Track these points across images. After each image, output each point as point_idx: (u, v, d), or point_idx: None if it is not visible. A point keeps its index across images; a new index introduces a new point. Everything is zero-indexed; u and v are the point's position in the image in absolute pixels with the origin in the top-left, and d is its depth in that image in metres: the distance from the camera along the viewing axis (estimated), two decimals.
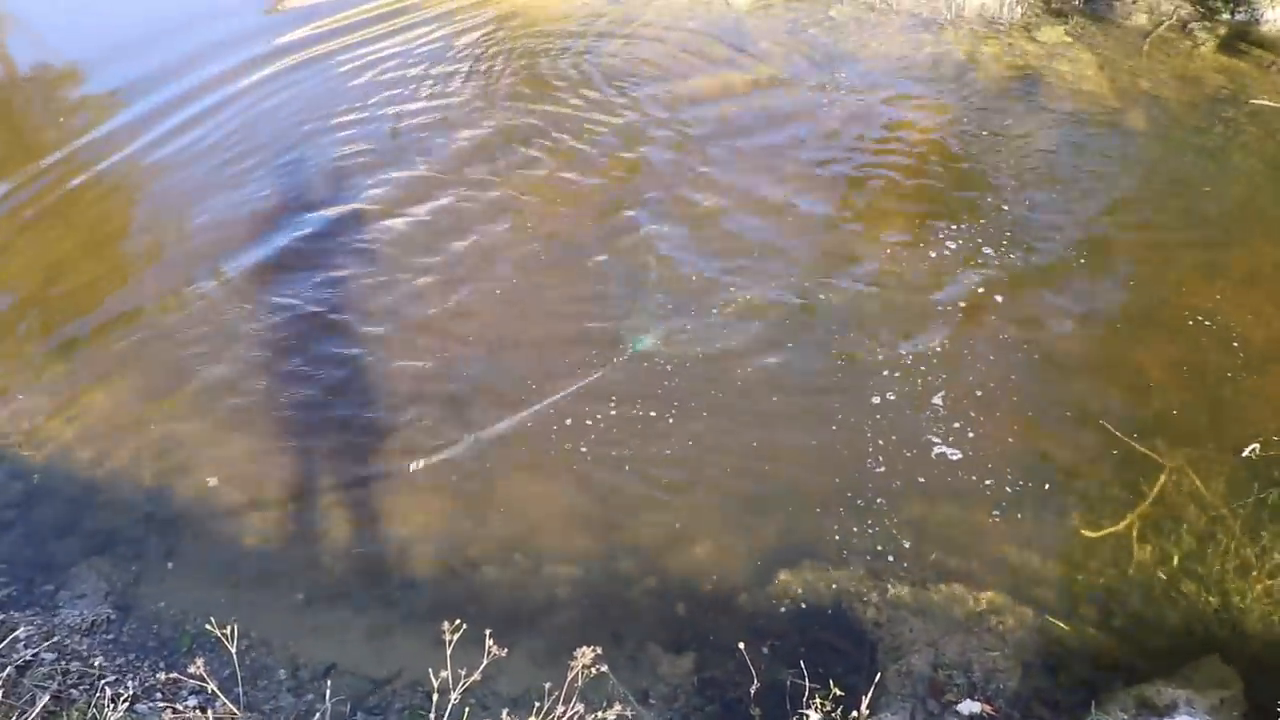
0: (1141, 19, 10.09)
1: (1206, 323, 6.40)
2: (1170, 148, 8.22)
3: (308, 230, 7.46)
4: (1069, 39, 9.84)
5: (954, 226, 7.27)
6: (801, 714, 3.70)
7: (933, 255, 7.03)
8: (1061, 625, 4.82)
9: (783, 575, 5.03)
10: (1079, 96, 8.89)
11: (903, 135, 8.44)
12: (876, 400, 5.93)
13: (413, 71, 9.53)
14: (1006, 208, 7.46)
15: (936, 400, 5.91)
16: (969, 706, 4.30)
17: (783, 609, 4.90)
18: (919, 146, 8.27)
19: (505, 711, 3.29)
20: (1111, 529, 5.25)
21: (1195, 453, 5.59)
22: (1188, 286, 6.71)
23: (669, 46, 9.84)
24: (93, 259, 7.37)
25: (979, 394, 5.94)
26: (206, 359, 6.40)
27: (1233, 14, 9.94)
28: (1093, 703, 4.34)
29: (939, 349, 6.24)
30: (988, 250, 7.04)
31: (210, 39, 10.08)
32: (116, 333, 6.64)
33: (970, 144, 8.29)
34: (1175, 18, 10.00)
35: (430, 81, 9.33)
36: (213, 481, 5.60)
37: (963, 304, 6.60)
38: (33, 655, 4.44)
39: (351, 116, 8.90)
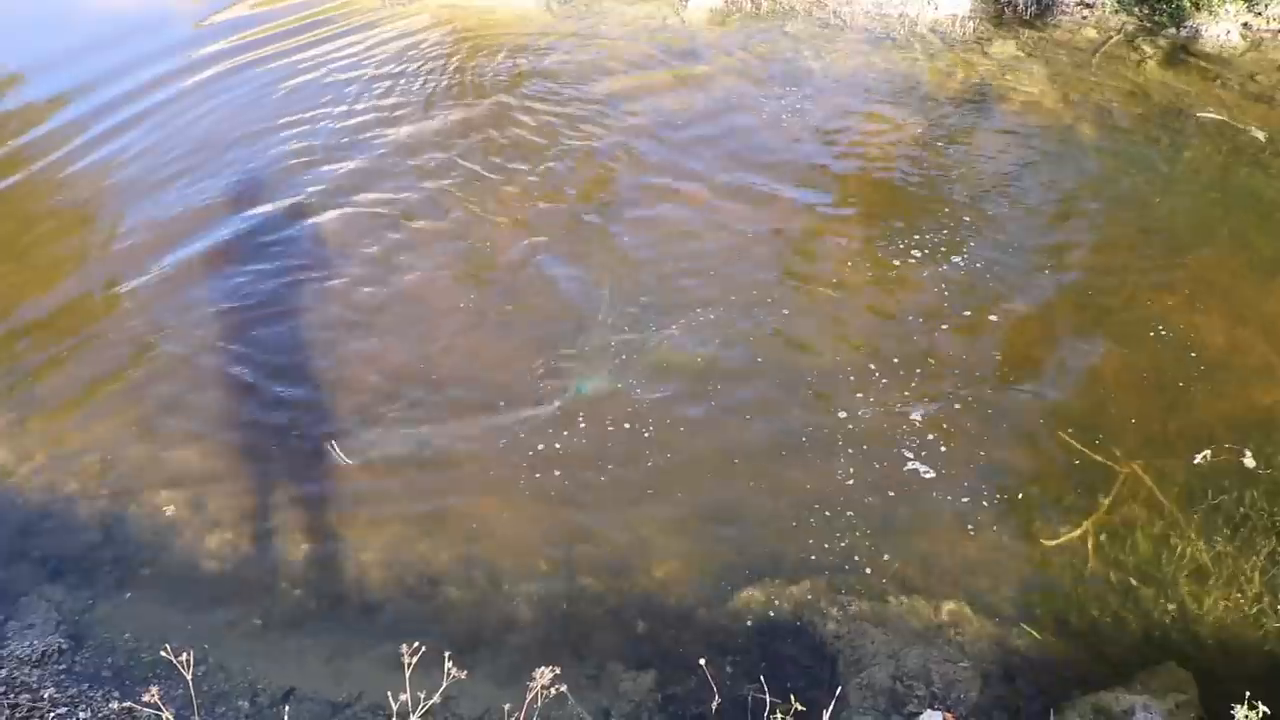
0: (1091, 33, 10.30)
1: (1160, 331, 6.51)
2: (1121, 160, 8.38)
3: (243, 231, 7.57)
4: (1020, 53, 10.02)
5: (909, 240, 7.35)
6: None
7: (889, 270, 7.10)
8: (1029, 632, 4.86)
9: (744, 591, 5.03)
10: (1031, 110, 9.05)
11: (858, 150, 8.54)
12: (842, 414, 5.98)
13: (349, 76, 9.61)
14: (962, 221, 7.56)
15: (902, 411, 5.96)
16: (930, 717, 4.32)
17: (743, 624, 4.90)
18: (875, 161, 8.37)
19: None
20: (1068, 537, 5.31)
21: (1150, 460, 5.68)
22: (1141, 296, 6.83)
23: (620, 61, 9.89)
24: (13, 264, 7.36)
25: (936, 404, 6.00)
26: (151, 377, 6.36)
27: (1177, 29, 10.17)
28: (1050, 711, 4.37)
29: (896, 363, 6.29)
30: (942, 264, 7.13)
31: (142, 50, 10.26)
32: (53, 346, 6.59)
33: (925, 158, 8.40)
34: (1123, 32, 10.22)
35: (370, 88, 9.38)
36: (169, 510, 5.52)
37: (920, 317, 6.67)
38: None
39: (284, 121, 8.99)
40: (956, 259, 7.16)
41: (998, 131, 8.74)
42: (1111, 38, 10.14)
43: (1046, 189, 7.98)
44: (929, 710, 4.36)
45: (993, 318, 6.67)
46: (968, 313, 6.69)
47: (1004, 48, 10.11)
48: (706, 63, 9.91)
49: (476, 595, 5.07)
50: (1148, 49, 9.93)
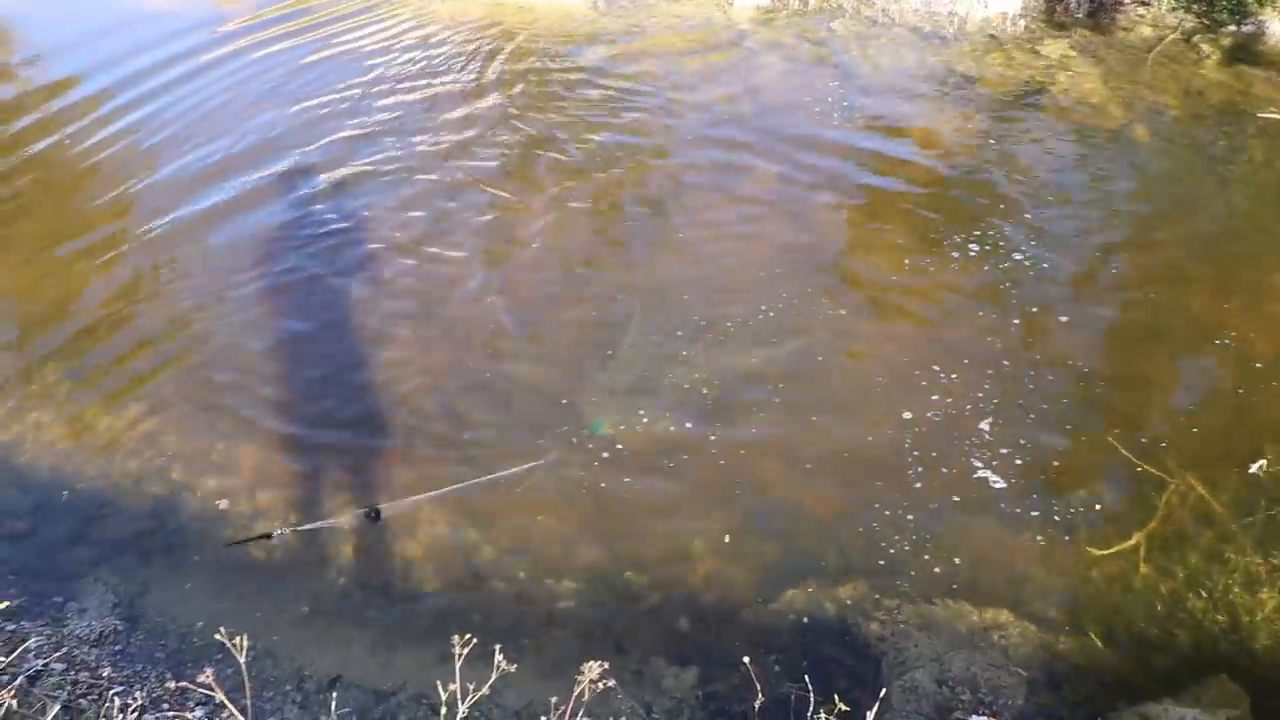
0: (1146, 31, 10.13)
1: (1214, 338, 6.40)
2: (1176, 162, 8.24)
3: (295, 208, 7.76)
4: (1073, 52, 9.88)
5: (960, 239, 7.28)
6: None
7: (942, 270, 7.04)
8: (1076, 640, 4.81)
9: (787, 590, 5.03)
10: (1083, 110, 8.92)
11: (906, 148, 8.47)
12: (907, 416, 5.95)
13: (395, 70, 9.87)
14: (1012, 220, 7.48)
15: (961, 414, 5.92)
16: None
17: (787, 623, 4.90)
18: (923, 159, 8.30)
19: None
20: (1119, 546, 5.24)
21: (1203, 469, 5.58)
22: (1195, 302, 6.72)
23: (665, 57, 9.89)
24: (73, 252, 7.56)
25: (987, 409, 5.94)
26: (209, 367, 6.46)
27: (1238, 26, 9.97)
28: (1099, 719, 4.33)
29: (947, 368, 6.24)
30: (994, 264, 7.06)
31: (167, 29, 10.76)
32: (113, 341, 6.72)
33: (973, 156, 8.32)
34: (1179, 30, 10.04)
35: (413, 79, 9.58)
36: (220, 498, 5.61)
37: (974, 318, 6.63)
38: (43, 665, 4.46)
39: (328, 100, 9.37)
40: (1008, 259, 7.08)
41: (1048, 131, 8.63)
42: (1168, 36, 9.96)
43: (1098, 189, 7.87)
44: (974, 715, 4.34)
45: (1044, 320, 6.58)
46: (1020, 315, 6.62)
47: (1056, 46, 9.97)
48: (753, 59, 9.88)
49: (520, 589, 5.11)
50: (1206, 47, 9.74)
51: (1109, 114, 8.84)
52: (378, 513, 5.44)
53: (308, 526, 5.41)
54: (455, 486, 5.57)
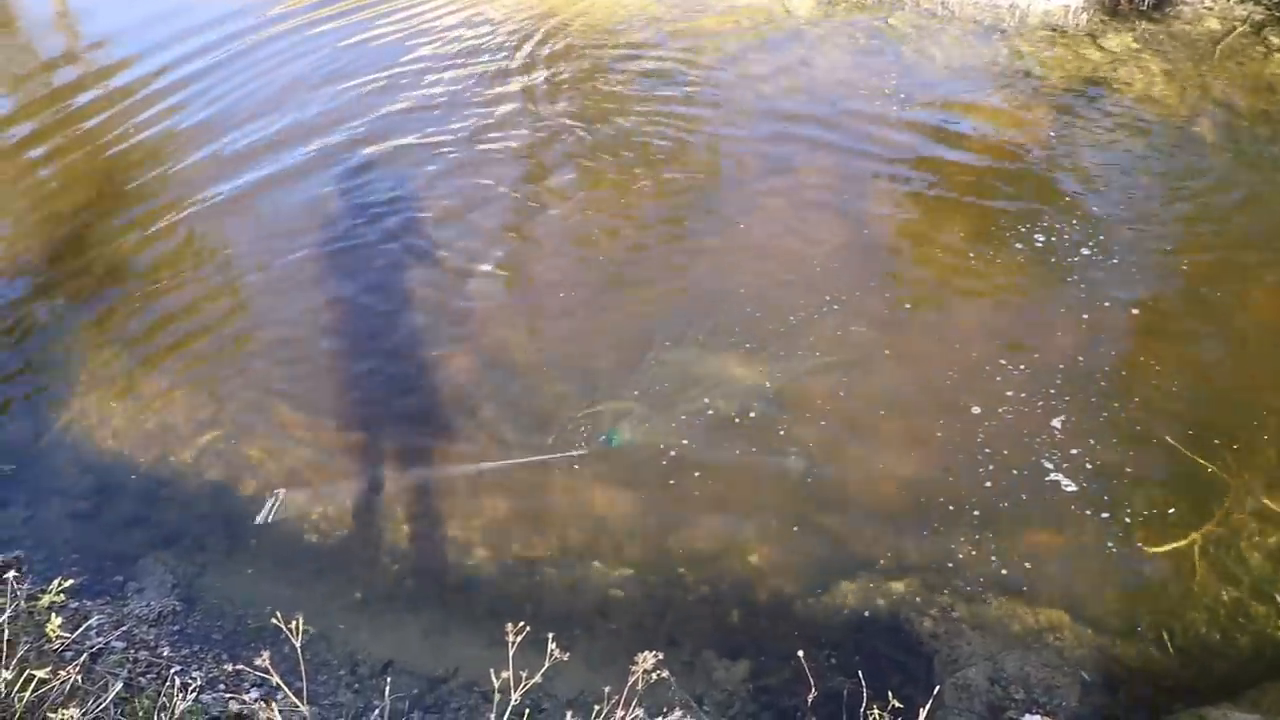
0: (1213, 24, 9.90)
1: (1273, 340, 6.25)
2: (1242, 158, 8.04)
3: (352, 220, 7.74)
4: (1136, 46, 9.68)
5: (1021, 233, 7.18)
6: None
7: (1003, 264, 6.95)
8: (1132, 642, 4.74)
9: (840, 584, 5.00)
10: (1147, 105, 8.74)
11: (966, 140, 8.37)
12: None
13: (445, 50, 10.00)
14: (1074, 215, 7.35)
15: (989, 411, 5.85)
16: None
17: (839, 618, 4.87)
18: (982, 152, 8.19)
19: (569, 714, 3.30)
20: (1175, 546, 5.15)
21: (1264, 471, 5.46)
22: (1261, 301, 6.56)
23: (723, 51, 9.86)
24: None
25: (1041, 405, 5.86)
26: (265, 352, 6.57)
27: None
28: None
29: (1015, 359, 6.16)
30: (1056, 258, 6.95)
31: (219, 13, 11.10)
32: (175, 325, 6.85)
33: (1033, 150, 8.19)
34: (1248, 23, 9.79)
35: (463, 61, 9.62)
36: (277, 484, 5.69)
37: (1039, 313, 6.56)
38: (104, 643, 4.56)
39: (379, 80, 9.55)
40: (1075, 254, 6.96)
41: (1109, 125, 8.47)
42: (1235, 29, 9.72)
43: (1162, 186, 7.71)
44: (1028, 715, 4.29)
45: (1113, 316, 6.46)
46: (1089, 310, 6.51)
47: (1118, 40, 9.78)
48: (811, 52, 9.80)
49: (572, 579, 5.13)
50: (1276, 40, 9.49)
51: (1173, 109, 8.66)
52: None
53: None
54: (493, 464, 5.64)
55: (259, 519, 5.49)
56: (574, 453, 5.67)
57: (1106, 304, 6.55)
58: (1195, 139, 8.28)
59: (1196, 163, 8.01)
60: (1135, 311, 6.51)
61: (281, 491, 5.59)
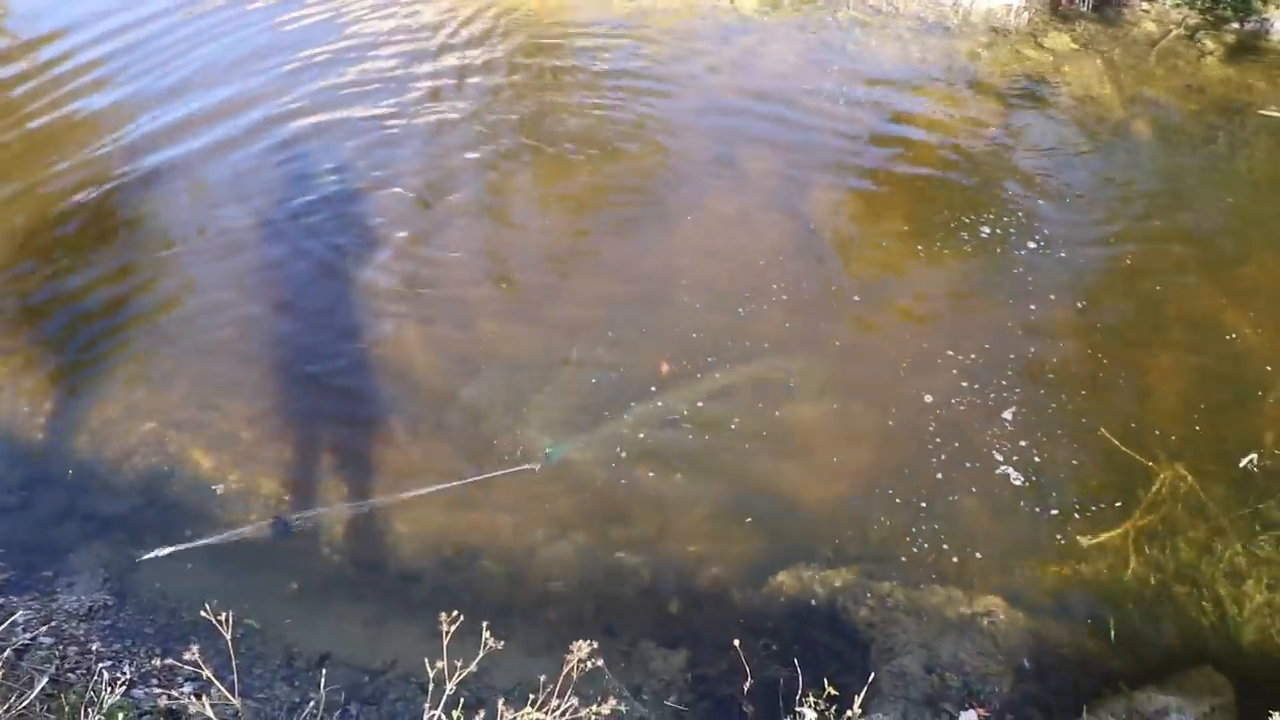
0: (1150, 27, 10.10)
1: (1209, 333, 6.40)
2: (1176, 158, 8.23)
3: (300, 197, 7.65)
4: (1076, 46, 9.85)
5: (962, 231, 7.27)
6: (796, 712, 3.71)
7: (952, 257, 7.05)
8: (1063, 628, 4.83)
9: (778, 574, 5.04)
10: (1085, 104, 8.90)
11: (908, 137, 8.46)
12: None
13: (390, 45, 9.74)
14: (1013, 212, 7.47)
15: (939, 402, 5.92)
16: (968, 717, 4.32)
17: (777, 607, 4.91)
18: (925, 149, 8.28)
19: (501, 702, 3.29)
20: (1107, 535, 5.26)
21: (1193, 462, 5.59)
22: (1195, 298, 6.71)
23: (668, 44, 9.86)
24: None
25: (978, 400, 5.95)
26: (201, 341, 6.46)
27: (1241, 23, 9.95)
28: (1084, 708, 4.34)
29: (943, 358, 6.25)
30: (994, 255, 7.06)
31: None
32: (108, 311, 6.72)
33: (975, 147, 8.30)
34: (1183, 26, 10.01)
35: (408, 55, 9.44)
36: (211, 474, 5.61)
37: (965, 312, 6.63)
38: (31, 639, 4.46)
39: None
40: (1009, 251, 7.07)
41: (1049, 123, 8.61)
42: (1172, 31, 9.93)
43: (1099, 184, 7.86)
44: (965, 711, 4.36)
45: (1055, 309, 6.58)
46: (1034, 301, 6.63)
47: (1059, 40, 9.94)
48: (757, 47, 9.84)
49: (511, 568, 5.12)
50: (1209, 44, 9.71)
51: (1111, 108, 8.82)
52: (286, 524, 5.37)
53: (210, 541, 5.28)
54: (436, 488, 5.47)
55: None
56: (524, 467, 5.57)
57: (1052, 296, 6.68)
58: (1132, 138, 8.45)
59: (1132, 160, 8.18)
60: (1081, 304, 6.64)
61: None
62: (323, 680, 3.91)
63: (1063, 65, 9.52)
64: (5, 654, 3.98)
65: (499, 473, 5.52)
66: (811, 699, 3.68)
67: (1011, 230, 7.27)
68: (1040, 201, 7.61)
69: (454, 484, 5.47)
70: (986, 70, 9.47)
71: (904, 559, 5.11)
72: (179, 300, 6.77)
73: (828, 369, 6.20)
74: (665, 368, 6.07)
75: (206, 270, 7.01)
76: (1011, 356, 6.23)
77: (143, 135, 8.41)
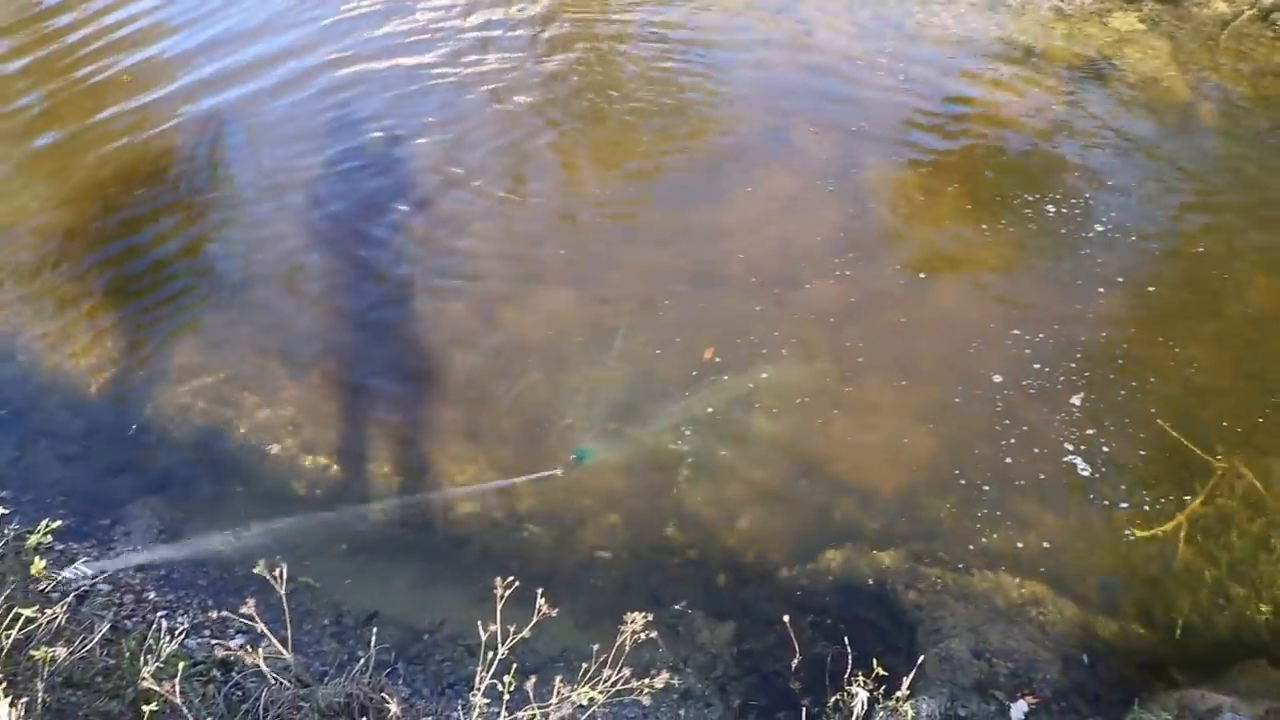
0: (1220, 7, 9.82)
1: (1270, 324, 6.26)
2: (1242, 143, 8.01)
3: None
4: (1142, 26, 9.60)
5: (1021, 213, 7.16)
6: (847, 691, 3.70)
7: (1017, 236, 6.95)
8: (1113, 620, 4.77)
9: (826, 551, 5.02)
10: (1149, 87, 8.69)
11: (968, 118, 8.32)
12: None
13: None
14: (1072, 194, 7.32)
15: (1008, 382, 5.85)
16: (1018, 708, 4.29)
17: (823, 585, 4.90)
18: (985, 131, 8.14)
19: (549, 671, 3.31)
20: (1160, 528, 5.17)
21: (1252, 456, 5.47)
22: (1254, 287, 6.56)
23: (722, 18, 9.75)
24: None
25: (1047, 384, 5.86)
26: (258, 298, 6.56)
27: None
28: (1135, 702, 4.29)
29: (1012, 339, 6.17)
30: (1070, 234, 6.95)
31: None
32: (168, 267, 6.83)
33: (1035, 127, 8.14)
34: (1256, 7, 9.72)
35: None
36: (266, 432, 5.67)
37: (1032, 293, 6.54)
38: (90, 585, 4.56)
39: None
40: (1075, 232, 6.94)
41: (1113, 105, 8.42)
42: (1244, 13, 9.64)
43: (1160, 168, 7.67)
44: (1015, 702, 4.32)
45: (1113, 295, 6.45)
46: (1102, 284, 6.51)
47: (1125, 20, 9.69)
48: (813, 19, 9.70)
49: (560, 536, 5.14)
50: None
51: (1177, 91, 8.61)
52: None
53: None
54: (468, 489, 5.43)
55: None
56: (546, 473, 5.44)
57: (1120, 279, 6.56)
58: (1198, 121, 8.24)
59: (1198, 145, 7.98)
60: (1151, 289, 6.52)
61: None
62: (373, 639, 3.95)
63: (1127, 46, 9.29)
64: (68, 598, 4.07)
65: (520, 479, 5.41)
66: (861, 678, 3.67)
67: (1077, 212, 7.14)
68: (1109, 182, 7.46)
69: (478, 487, 5.41)
70: (1048, 49, 9.27)
71: (955, 542, 5.06)
72: (240, 264, 6.85)
73: (893, 346, 6.12)
74: (710, 352, 6.01)
75: (267, 221, 7.16)
76: (1082, 339, 6.13)
77: (195, 81, 8.62)
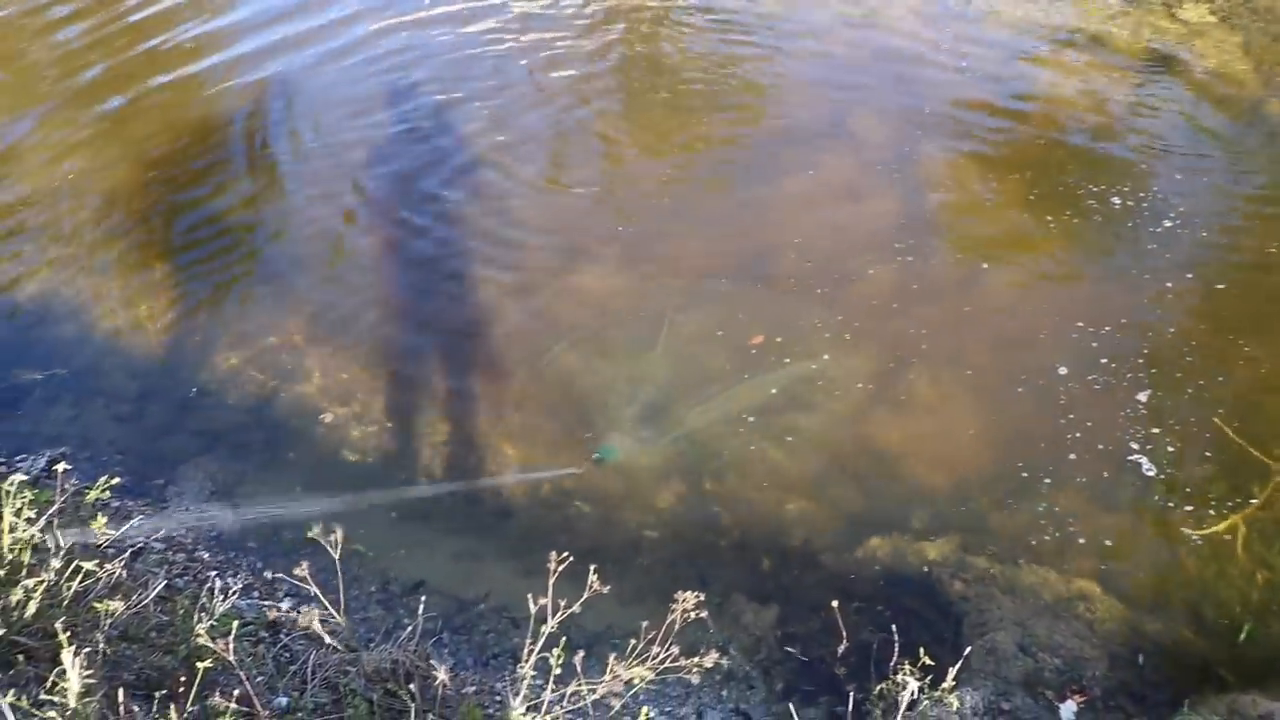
0: None
1: None
2: None
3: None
4: (1213, 19, 9.39)
5: (1088, 203, 7.04)
6: (893, 680, 3.68)
7: (1066, 235, 6.83)
8: (1163, 621, 4.71)
9: (872, 539, 4.99)
10: (1220, 80, 8.49)
11: (1032, 108, 8.19)
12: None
13: None
14: (1147, 191, 7.19)
15: (1073, 374, 5.78)
16: (1069, 709, 4.25)
17: (869, 572, 4.87)
18: (1049, 120, 8.01)
19: (598, 646, 3.32)
20: (1214, 529, 5.09)
21: None
22: None
23: (783, 1, 9.67)
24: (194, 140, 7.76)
25: (1113, 380, 5.77)
26: (312, 263, 6.64)
27: None
28: (1185, 703, 4.23)
29: (1078, 331, 6.08)
30: (1137, 227, 6.84)
31: None
32: (226, 231, 6.92)
33: (1103, 122, 7.99)
34: None
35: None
36: (317, 399, 5.72)
37: (1099, 285, 6.45)
38: (144, 542, 4.64)
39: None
40: (1143, 226, 6.84)
41: (1181, 98, 8.24)
42: None
43: (1230, 163, 7.51)
44: (1065, 702, 4.28)
45: (1181, 290, 6.35)
46: (1162, 283, 6.40)
47: (1195, 11, 9.48)
48: (874, 5, 9.58)
49: (607, 513, 5.15)
50: None
51: (1248, 85, 8.40)
52: None
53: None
54: (488, 481, 5.40)
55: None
56: (569, 471, 5.39)
57: (1189, 275, 6.44)
58: (1268, 117, 8.05)
59: (1269, 141, 7.80)
60: (1220, 286, 6.41)
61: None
62: (421, 607, 3.98)
63: (1197, 38, 9.09)
64: (125, 554, 4.15)
65: (545, 474, 5.39)
66: (907, 666, 3.64)
67: (1144, 205, 7.01)
68: (1177, 177, 7.33)
69: (496, 480, 5.37)
70: (1116, 40, 9.09)
71: (1004, 534, 5.01)
72: (295, 229, 6.93)
73: (953, 335, 6.06)
74: (758, 338, 5.98)
75: (320, 182, 7.28)
76: (1149, 334, 6.04)
77: (252, 49, 8.77)
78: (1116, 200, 7.04)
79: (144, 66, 8.59)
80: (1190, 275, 6.45)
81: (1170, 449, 5.42)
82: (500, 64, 8.55)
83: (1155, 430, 5.50)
